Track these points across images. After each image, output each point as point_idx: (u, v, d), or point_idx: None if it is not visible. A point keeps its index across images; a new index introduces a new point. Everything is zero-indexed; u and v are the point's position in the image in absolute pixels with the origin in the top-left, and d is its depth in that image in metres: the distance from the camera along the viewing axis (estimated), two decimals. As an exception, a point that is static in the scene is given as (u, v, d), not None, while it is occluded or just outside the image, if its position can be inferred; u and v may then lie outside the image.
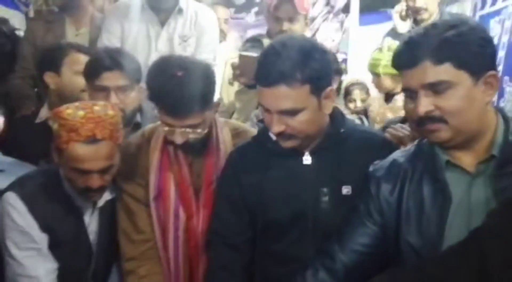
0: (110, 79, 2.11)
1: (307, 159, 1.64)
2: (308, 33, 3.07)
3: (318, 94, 1.54)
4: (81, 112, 1.69)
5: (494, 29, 3.69)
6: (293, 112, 1.52)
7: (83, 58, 2.34)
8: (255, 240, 1.76)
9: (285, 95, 1.50)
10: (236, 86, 2.77)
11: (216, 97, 1.81)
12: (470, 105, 1.29)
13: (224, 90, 3.27)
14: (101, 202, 1.88)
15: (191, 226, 1.87)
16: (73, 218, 1.84)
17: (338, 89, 2.56)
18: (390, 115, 2.92)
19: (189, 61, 1.76)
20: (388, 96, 3.13)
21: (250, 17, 6.28)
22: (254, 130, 1.97)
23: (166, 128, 1.73)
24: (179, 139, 1.73)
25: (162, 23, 2.86)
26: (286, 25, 2.77)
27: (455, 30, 1.28)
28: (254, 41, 2.88)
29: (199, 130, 1.73)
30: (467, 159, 1.36)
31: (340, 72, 2.55)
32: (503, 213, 1.15)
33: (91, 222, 1.89)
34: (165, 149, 1.85)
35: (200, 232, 1.86)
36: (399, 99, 2.95)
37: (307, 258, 1.59)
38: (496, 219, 1.15)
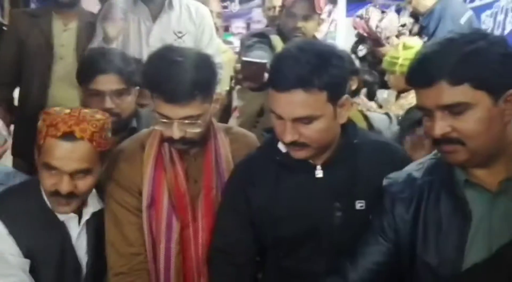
0: (104, 83, 2.02)
1: (318, 172, 1.56)
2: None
3: (334, 102, 1.47)
4: (67, 111, 1.62)
5: (486, 23, 3.69)
6: (308, 120, 1.44)
7: None
8: (259, 256, 1.69)
9: (301, 101, 1.42)
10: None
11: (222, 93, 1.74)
12: (489, 127, 1.22)
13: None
14: (86, 215, 1.75)
15: (186, 236, 1.76)
16: (58, 234, 1.71)
17: (357, 90, 2.50)
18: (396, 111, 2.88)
19: (191, 50, 1.71)
20: (400, 94, 3.10)
21: (234, 6, 6.19)
22: (251, 135, 1.90)
23: (163, 120, 1.63)
24: (176, 134, 1.62)
25: (154, 18, 2.74)
26: (300, 23, 2.68)
27: (473, 46, 1.20)
28: (261, 37, 2.78)
29: (198, 122, 1.63)
30: (487, 177, 1.30)
31: (356, 72, 2.48)
32: None
33: (79, 237, 1.77)
34: (159, 155, 1.75)
35: (200, 243, 1.76)
36: (405, 96, 2.94)
37: (320, 273, 1.53)
38: None
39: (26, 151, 1.80)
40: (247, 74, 2.12)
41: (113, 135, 1.94)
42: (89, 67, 2.06)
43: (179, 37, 2.72)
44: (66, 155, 1.58)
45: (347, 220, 1.54)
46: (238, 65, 2.26)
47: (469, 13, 3.75)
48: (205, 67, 1.63)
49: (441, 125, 1.23)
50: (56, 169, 1.59)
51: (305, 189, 1.56)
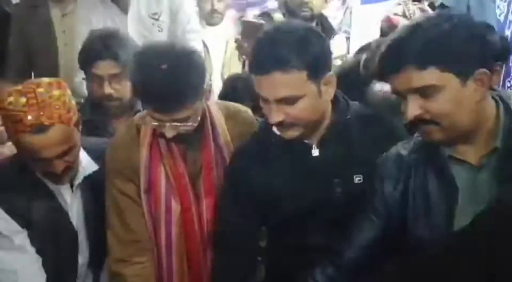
0: (102, 68, 2.08)
1: (314, 151, 1.58)
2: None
3: (316, 80, 1.48)
4: (23, 100, 1.55)
5: (500, 7, 3.60)
6: (291, 101, 1.46)
7: None
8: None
9: (281, 83, 1.44)
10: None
11: (209, 83, 1.72)
12: (459, 107, 1.25)
13: (227, 71, 3.19)
14: (78, 180, 1.77)
15: (188, 218, 1.77)
16: (49, 203, 1.74)
17: None
18: None
19: (174, 50, 1.61)
20: None
21: (249, -5, 6.18)
22: (246, 109, 1.90)
23: (155, 123, 1.62)
24: (169, 133, 1.62)
25: (125, 9, 2.70)
26: None
27: (437, 30, 1.23)
28: (264, 16, 2.88)
29: (189, 123, 1.63)
30: (470, 152, 1.32)
31: None
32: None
33: (73, 203, 1.78)
34: (155, 139, 1.74)
35: (205, 221, 1.77)
36: None
37: (322, 247, 1.58)
38: (504, 205, 1.13)
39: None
40: (246, 32, 2.22)
41: (118, 118, 2.13)
42: (87, 53, 2.13)
43: (156, 19, 2.70)
44: (44, 145, 1.57)
45: (347, 194, 1.57)
46: (239, 37, 2.30)
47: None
48: (191, 69, 1.58)
49: (412, 108, 1.26)
50: (42, 159, 1.61)
51: (303, 169, 1.58)
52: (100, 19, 2.66)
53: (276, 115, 1.48)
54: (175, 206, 1.75)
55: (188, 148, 1.76)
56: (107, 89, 2.08)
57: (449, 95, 1.23)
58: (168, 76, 1.53)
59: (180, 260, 1.79)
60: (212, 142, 1.76)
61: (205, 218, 1.78)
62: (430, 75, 1.23)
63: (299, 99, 1.47)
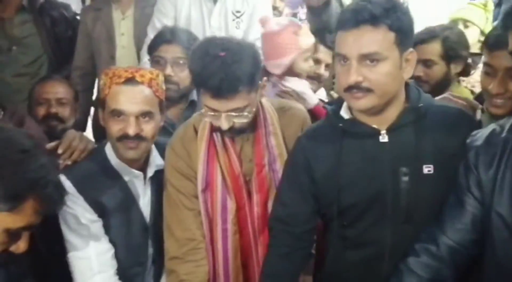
0: (167, 51, 2.24)
1: (383, 137, 1.52)
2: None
3: (401, 49, 1.44)
4: (125, 66, 1.83)
5: None
6: (374, 60, 1.42)
7: None
8: (323, 226, 1.70)
9: (369, 37, 1.41)
10: None
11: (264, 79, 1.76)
12: None
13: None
14: (150, 172, 1.84)
15: (242, 216, 1.80)
16: (123, 193, 1.82)
17: (461, 73, 2.38)
18: None
19: (232, 41, 1.69)
20: None
21: (302, -7, 6.15)
22: (299, 106, 1.92)
23: (211, 113, 1.67)
24: (224, 125, 1.67)
25: None
26: None
27: None
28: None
29: (245, 113, 1.66)
30: None
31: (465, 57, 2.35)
32: None
33: (145, 195, 1.86)
34: (212, 139, 1.79)
35: (255, 217, 1.80)
36: None
37: (385, 242, 1.54)
38: None
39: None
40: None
41: (173, 104, 2.24)
42: (156, 38, 2.33)
43: (238, 17, 2.74)
44: (130, 98, 1.72)
45: (414, 184, 1.50)
46: None
47: None
48: (248, 59, 1.63)
49: None
50: (122, 114, 1.72)
51: (370, 155, 1.53)
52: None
53: (355, 74, 1.42)
54: (231, 205, 1.79)
55: (244, 147, 1.79)
56: (168, 70, 2.19)
57: None
58: (226, 63, 1.59)
59: (235, 255, 1.82)
60: (264, 141, 1.78)
61: (255, 213, 1.80)
62: None
63: (381, 61, 1.42)
